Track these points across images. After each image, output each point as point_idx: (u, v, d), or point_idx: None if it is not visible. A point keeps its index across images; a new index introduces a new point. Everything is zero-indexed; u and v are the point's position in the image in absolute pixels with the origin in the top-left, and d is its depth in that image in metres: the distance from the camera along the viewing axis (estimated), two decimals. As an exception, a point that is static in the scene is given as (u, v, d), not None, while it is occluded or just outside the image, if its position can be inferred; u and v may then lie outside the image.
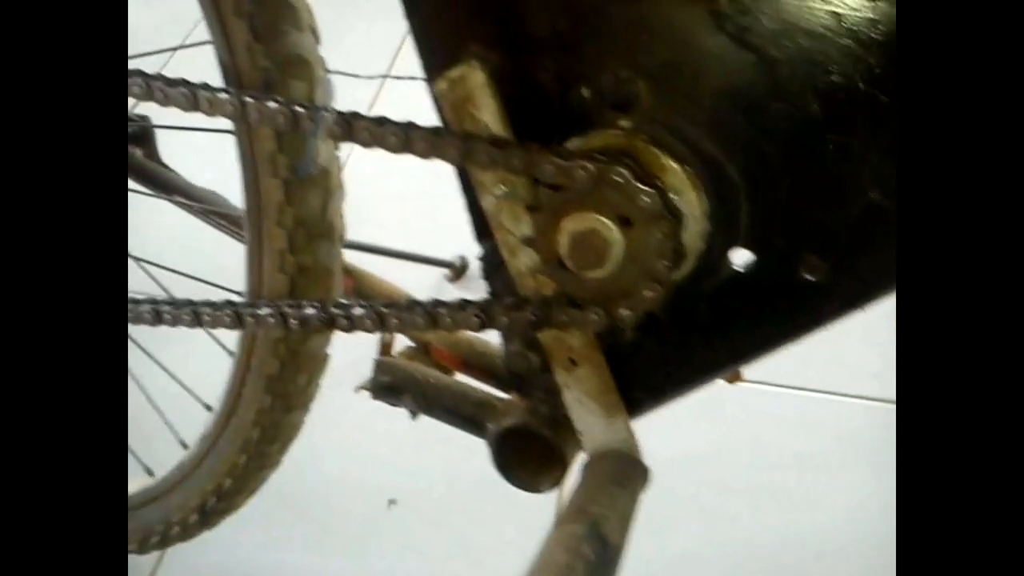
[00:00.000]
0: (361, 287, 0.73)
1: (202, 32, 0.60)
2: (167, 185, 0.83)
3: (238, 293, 0.69)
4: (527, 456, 0.59)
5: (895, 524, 0.35)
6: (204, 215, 0.82)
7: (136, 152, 0.83)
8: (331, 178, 0.63)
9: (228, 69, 0.60)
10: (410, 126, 0.50)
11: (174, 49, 0.68)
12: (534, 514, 0.97)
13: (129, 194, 0.79)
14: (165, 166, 0.85)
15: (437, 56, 0.52)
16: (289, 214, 0.62)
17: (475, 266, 1.28)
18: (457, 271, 1.25)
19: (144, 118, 0.87)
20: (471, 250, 1.23)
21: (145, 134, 0.85)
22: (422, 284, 1.24)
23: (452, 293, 1.24)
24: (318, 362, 0.70)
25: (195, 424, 0.81)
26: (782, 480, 1.01)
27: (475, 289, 1.25)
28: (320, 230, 0.64)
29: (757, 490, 1.00)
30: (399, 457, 1.04)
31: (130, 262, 0.76)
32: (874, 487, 0.98)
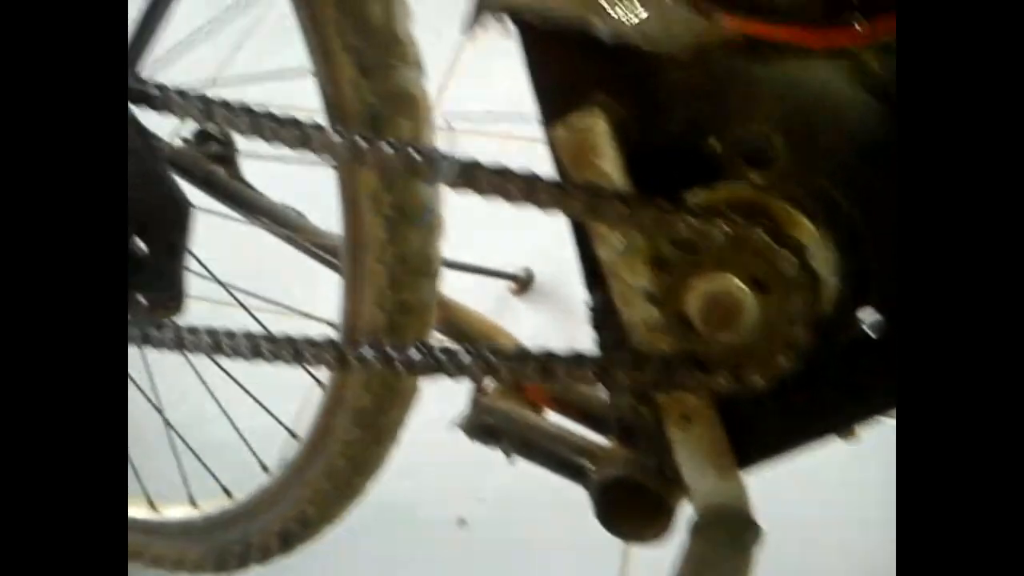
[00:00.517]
0: (450, 318, 0.72)
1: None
2: (250, 205, 0.82)
3: (333, 324, 0.68)
4: (629, 506, 0.58)
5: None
6: (290, 240, 0.81)
7: (219, 171, 0.83)
8: (434, 215, 0.62)
9: (331, 103, 0.59)
10: (534, 178, 0.49)
11: (266, 77, 0.67)
12: (603, 536, 0.96)
13: (214, 217, 0.78)
14: (249, 185, 0.84)
15: (557, 102, 0.50)
16: (390, 251, 0.61)
17: (540, 278, 1.27)
18: (522, 284, 1.23)
19: (226, 136, 0.86)
20: (535, 262, 1.24)
21: (228, 152, 0.84)
22: (486, 297, 1.23)
23: (517, 306, 1.23)
24: (410, 395, 0.69)
25: (268, 441, 0.81)
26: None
27: (540, 303, 1.23)
28: (420, 267, 0.63)
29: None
30: (469, 476, 1.03)
31: (219, 289, 0.75)
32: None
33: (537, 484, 0.86)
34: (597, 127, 0.49)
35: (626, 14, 0.38)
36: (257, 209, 0.82)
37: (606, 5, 0.38)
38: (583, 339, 1.21)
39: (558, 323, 1.21)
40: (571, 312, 1.21)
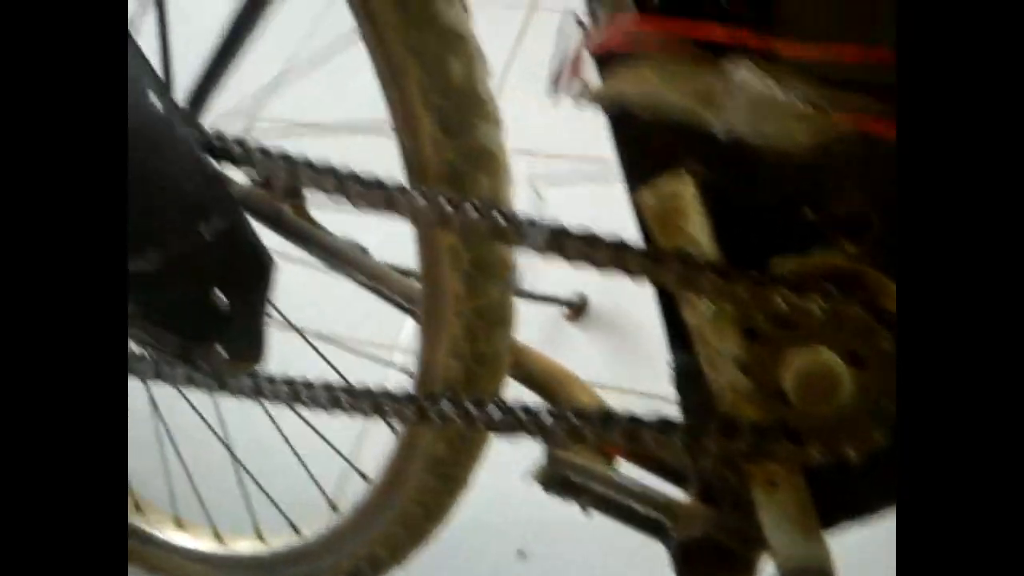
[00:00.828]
0: (521, 362, 0.72)
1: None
2: (320, 245, 0.82)
3: (407, 371, 0.69)
4: (711, 566, 0.58)
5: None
6: (359, 280, 0.82)
7: (288, 210, 0.84)
8: (509, 268, 0.62)
9: (411, 158, 0.59)
10: (623, 245, 0.49)
11: (343, 129, 0.67)
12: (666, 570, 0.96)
13: (285, 260, 0.79)
14: (317, 224, 0.85)
15: (643, 165, 0.50)
16: (468, 305, 0.61)
17: (595, 305, 1.27)
18: (576, 310, 1.23)
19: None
20: (589, 287, 1.23)
21: (295, 190, 0.85)
22: (538, 322, 1.23)
23: (570, 333, 1.22)
24: (482, 444, 0.69)
25: (330, 475, 0.81)
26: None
27: (594, 330, 1.23)
28: (497, 318, 0.63)
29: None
30: (529, 506, 1.03)
31: (294, 335, 0.76)
32: None
33: (598, 517, 0.86)
34: (685, 192, 0.49)
35: (742, 111, 0.38)
36: (327, 249, 0.82)
37: (722, 102, 0.38)
38: (639, 367, 1.21)
39: (614, 350, 1.20)
40: (627, 339, 1.21)
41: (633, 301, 1.15)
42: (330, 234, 0.86)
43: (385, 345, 1.18)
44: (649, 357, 1.24)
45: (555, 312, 1.23)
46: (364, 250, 0.87)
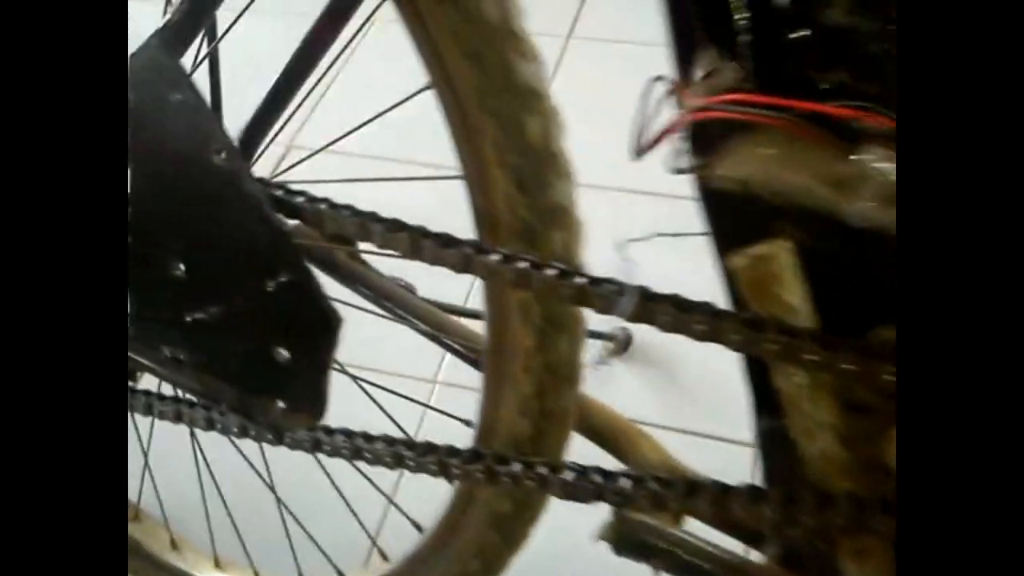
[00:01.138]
0: (585, 414, 0.71)
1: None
2: (372, 287, 0.81)
3: (468, 423, 0.67)
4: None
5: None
6: (407, 322, 0.80)
7: (340, 253, 0.82)
8: (581, 323, 0.61)
9: (482, 213, 0.58)
10: (721, 314, 0.47)
11: (411, 179, 0.66)
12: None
13: (344, 307, 0.78)
14: (368, 266, 0.84)
15: (738, 230, 0.48)
16: (538, 360, 0.60)
17: (639, 340, 1.25)
18: (621, 344, 1.21)
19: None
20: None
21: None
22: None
23: (614, 368, 1.20)
24: (546, 499, 0.68)
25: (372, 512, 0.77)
26: None
27: (639, 366, 1.21)
28: (567, 375, 0.61)
29: None
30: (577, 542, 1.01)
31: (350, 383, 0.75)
32: None
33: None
34: (781, 256, 0.47)
35: (874, 197, 0.36)
36: (379, 292, 0.81)
37: (854, 189, 0.36)
38: (684, 404, 1.18)
39: (659, 386, 1.18)
40: (672, 375, 1.19)
41: (678, 337, 1.14)
42: (383, 277, 0.85)
43: (426, 380, 1.16)
44: (694, 393, 1.22)
45: (599, 347, 1.21)
46: (412, 289, 0.86)
